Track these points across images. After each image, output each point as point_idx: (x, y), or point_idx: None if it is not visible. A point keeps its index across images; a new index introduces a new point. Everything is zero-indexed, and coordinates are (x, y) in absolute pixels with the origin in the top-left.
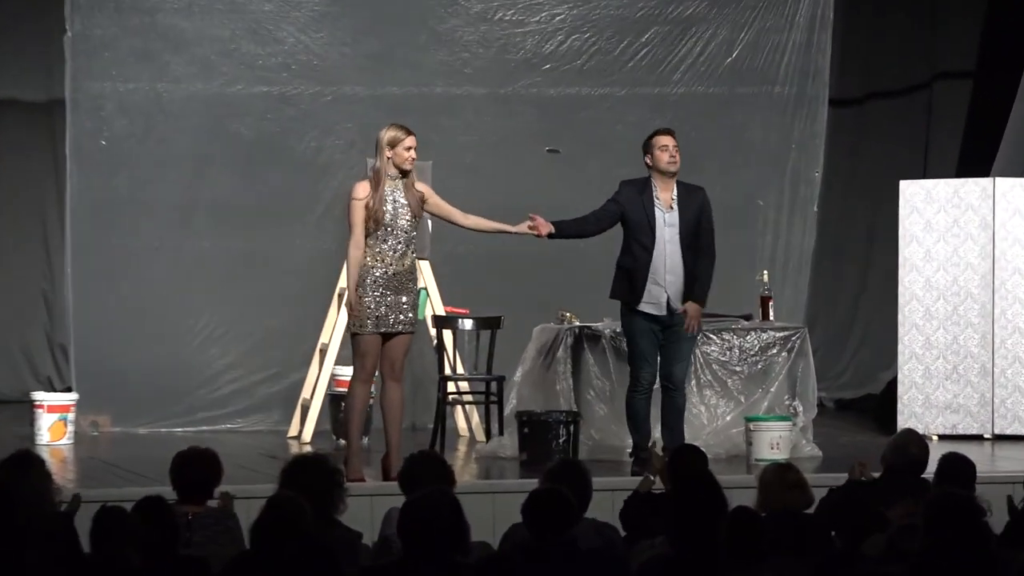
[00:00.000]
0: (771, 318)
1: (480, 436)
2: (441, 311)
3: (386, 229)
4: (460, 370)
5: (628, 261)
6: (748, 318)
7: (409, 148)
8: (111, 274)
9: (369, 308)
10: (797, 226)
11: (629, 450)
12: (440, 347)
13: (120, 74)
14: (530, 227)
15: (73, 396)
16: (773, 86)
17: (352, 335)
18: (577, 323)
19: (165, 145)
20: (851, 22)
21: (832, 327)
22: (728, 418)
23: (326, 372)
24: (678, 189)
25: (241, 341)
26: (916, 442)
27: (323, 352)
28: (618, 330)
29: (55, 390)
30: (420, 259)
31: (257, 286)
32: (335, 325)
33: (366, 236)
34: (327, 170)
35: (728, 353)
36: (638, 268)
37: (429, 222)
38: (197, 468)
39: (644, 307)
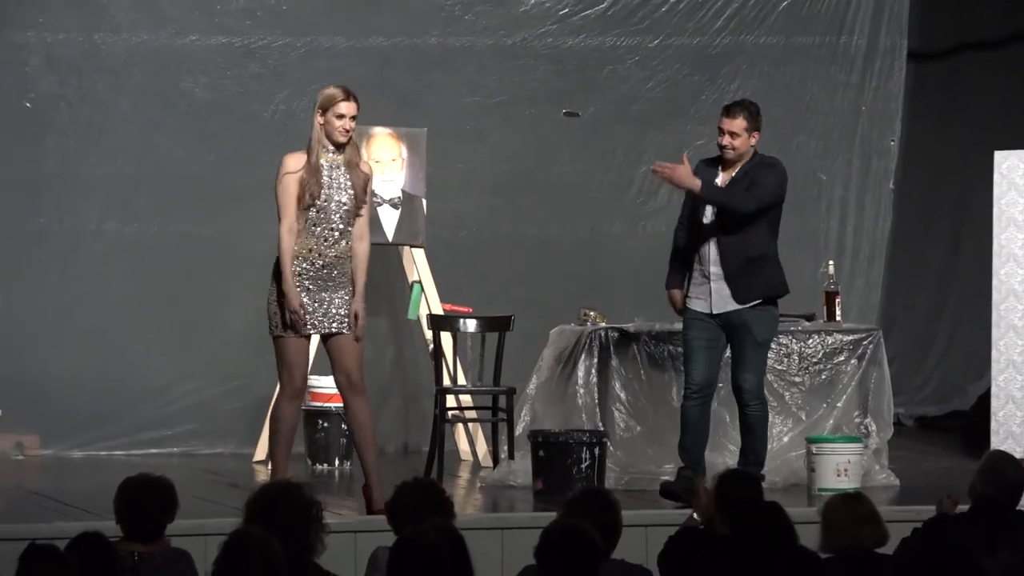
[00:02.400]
0: (838, 318)
1: (486, 460)
2: (438, 310)
3: (321, 211)
4: (461, 381)
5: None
6: (810, 318)
7: (342, 116)
8: (37, 264)
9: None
10: (869, 207)
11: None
12: (437, 353)
13: (48, 22)
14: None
15: None
16: (839, 36)
17: (274, 339)
18: (603, 324)
19: (103, 108)
20: None
21: (912, 330)
22: (786, 439)
23: None
24: (740, 170)
25: (196, 346)
26: (1011, 464)
27: None
28: (654, 331)
29: None
30: (413, 247)
31: (215, 279)
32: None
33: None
34: (299, 139)
35: (785, 361)
36: (686, 256)
37: (424, 201)
38: (147, 499)
39: (693, 303)
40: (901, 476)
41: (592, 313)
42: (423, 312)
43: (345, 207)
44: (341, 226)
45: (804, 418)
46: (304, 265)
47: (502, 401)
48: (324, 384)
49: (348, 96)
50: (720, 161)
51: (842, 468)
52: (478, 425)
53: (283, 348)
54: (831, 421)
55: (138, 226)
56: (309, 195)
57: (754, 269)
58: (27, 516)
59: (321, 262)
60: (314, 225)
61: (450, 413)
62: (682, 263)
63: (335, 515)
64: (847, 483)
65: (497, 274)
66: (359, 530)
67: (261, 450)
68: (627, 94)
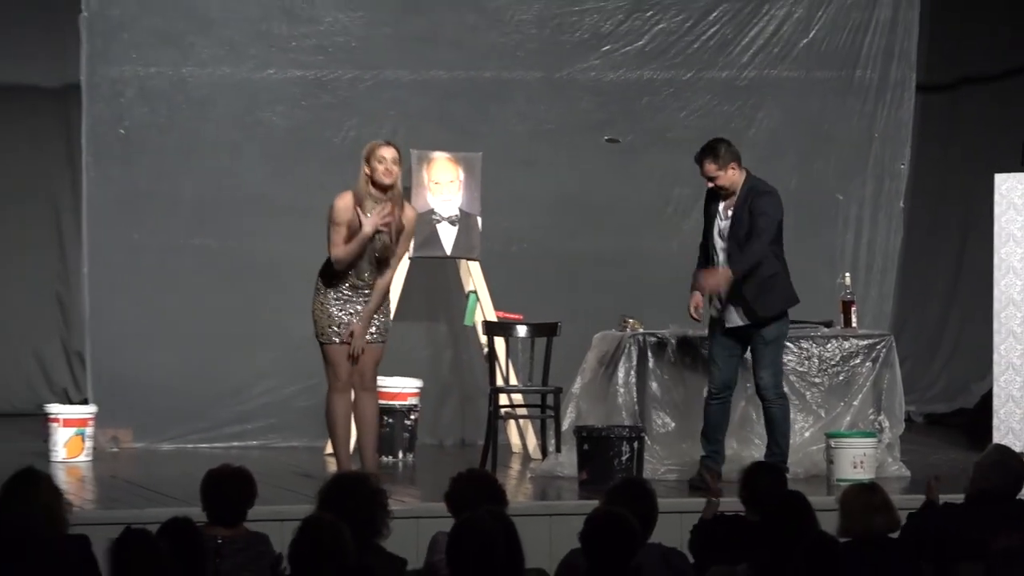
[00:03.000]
0: (854, 325)
1: (535, 453)
2: (492, 317)
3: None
4: (513, 381)
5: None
6: (828, 325)
7: (382, 160)
8: (131, 275)
9: (333, 317)
10: (882, 224)
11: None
12: (491, 356)
13: (140, 57)
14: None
15: (91, 409)
16: (854, 70)
17: (320, 345)
18: (641, 330)
19: (190, 135)
20: None
21: (921, 335)
22: (807, 434)
23: None
24: (739, 196)
25: (273, 349)
26: (1012, 457)
27: None
28: (686, 337)
29: (71, 402)
30: (469, 260)
31: (288, 289)
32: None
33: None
34: None
35: (806, 363)
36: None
37: (479, 219)
38: (229, 488)
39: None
40: (912, 468)
41: (631, 320)
42: (478, 319)
43: (382, 245)
44: (377, 255)
45: (823, 415)
46: (346, 284)
47: (550, 399)
48: (390, 383)
49: (388, 144)
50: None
51: (858, 460)
52: (528, 421)
53: (327, 352)
54: (848, 418)
55: (221, 241)
56: (352, 231)
57: (768, 287)
58: (122, 503)
59: (360, 283)
60: (357, 258)
61: (503, 410)
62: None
63: (399, 502)
64: (863, 474)
65: (545, 284)
66: (421, 516)
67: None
68: (663, 122)
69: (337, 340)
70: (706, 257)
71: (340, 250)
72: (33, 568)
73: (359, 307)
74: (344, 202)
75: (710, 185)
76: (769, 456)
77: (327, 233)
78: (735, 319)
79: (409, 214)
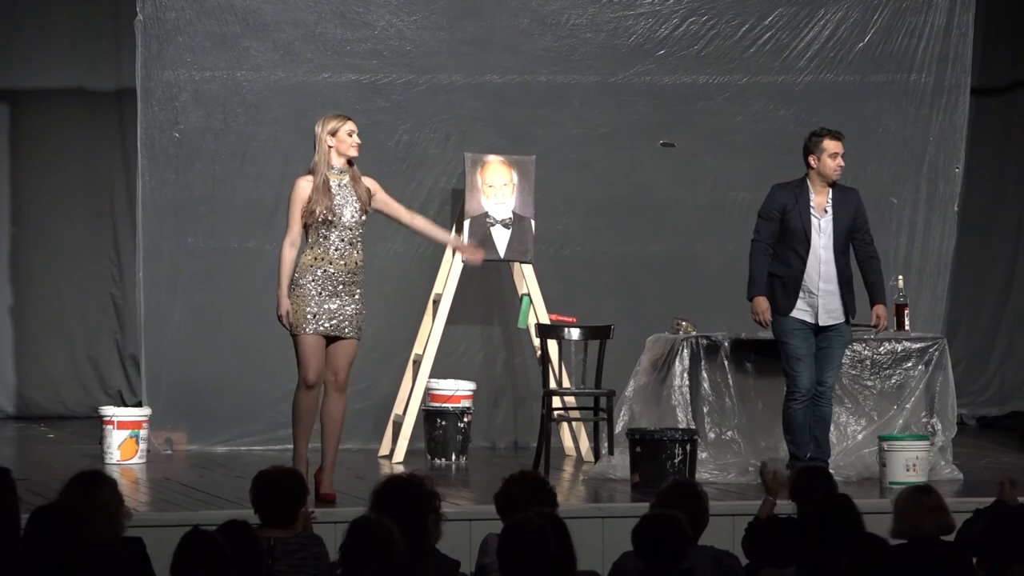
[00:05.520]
0: (907, 328)
1: (588, 456)
2: (545, 319)
3: (329, 225)
4: (566, 384)
5: (782, 268)
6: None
7: (351, 133)
8: (186, 279)
9: (306, 308)
10: (936, 227)
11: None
12: (544, 359)
13: (195, 61)
14: (460, 250)
15: (145, 411)
16: (909, 74)
17: (292, 337)
18: (694, 333)
19: (244, 138)
20: (996, 2)
21: (974, 337)
22: (859, 437)
23: (420, 386)
24: (833, 192)
25: None
26: None
27: (416, 364)
28: (739, 339)
29: (126, 405)
30: (522, 263)
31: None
32: (430, 334)
33: (307, 233)
34: (421, 165)
35: (859, 366)
36: (791, 275)
37: (533, 222)
38: (281, 489)
39: (797, 313)
40: (964, 471)
41: (684, 323)
42: (532, 322)
43: (354, 219)
44: (349, 235)
45: (876, 418)
46: (318, 272)
47: (603, 402)
48: (443, 386)
49: (348, 118)
50: (803, 184)
51: (911, 463)
52: (581, 424)
53: (297, 343)
54: (900, 421)
55: (276, 244)
56: (315, 216)
57: (850, 288)
58: (176, 505)
59: (333, 269)
60: (325, 238)
61: (556, 413)
62: (768, 275)
63: (452, 504)
64: (915, 477)
65: (598, 287)
66: (473, 519)
67: (385, 446)
68: (718, 127)
69: (309, 330)
70: (783, 256)
71: (290, 254)
72: (88, 568)
73: (344, 299)
74: (306, 182)
75: (838, 164)
76: (818, 453)
77: (286, 219)
78: (827, 318)
79: (371, 183)
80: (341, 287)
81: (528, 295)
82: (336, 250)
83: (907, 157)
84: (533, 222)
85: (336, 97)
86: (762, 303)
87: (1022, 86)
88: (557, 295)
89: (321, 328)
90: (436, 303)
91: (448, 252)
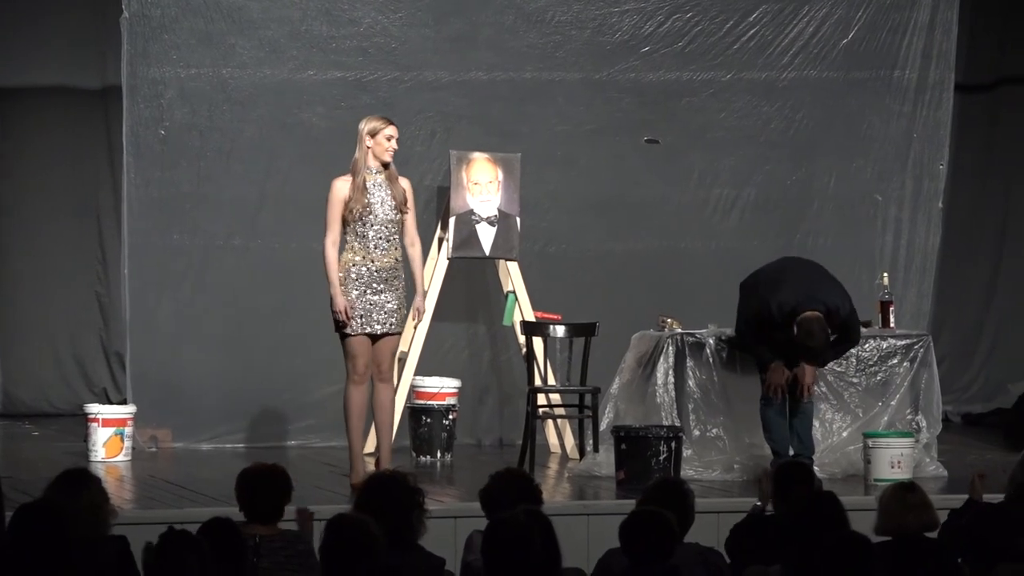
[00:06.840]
0: (892, 325)
1: (573, 453)
2: (530, 316)
3: (367, 223)
4: (551, 381)
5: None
6: (867, 325)
7: (390, 138)
8: (171, 276)
9: (352, 308)
10: (920, 224)
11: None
12: (529, 356)
13: (181, 58)
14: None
15: (130, 409)
16: (893, 70)
17: (341, 335)
18: (679, 330)
19: (230, 136)
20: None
21: (959, 335)
22: (844, 434)
23: (405, 383)
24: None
25: (312, 350)
26: None
27: (402, 362)
28: (724, 337)
29: (111, 402)
30: (508, 260)
31: (327, 290)
32: (414, 332)
33: (346, 231)
34: (407, 162)
35: (844, 363)
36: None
37: (518, 219)
38: (266, 486)
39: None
40: (949, 468)
41: (670, 320)
42: (517, 319)
43: (391, 216)
44: (386, 232)
45: (861, 415)
46: (362, 269)
47: (588, 399)
48: (428, 384)
49: (390, 123)
50: None
51: (895, 460)
52: (566, 421)
53: (346, 343)
54: (885, 418)
55: (261, 242)
56: (354, 215)
57: (841, 338)
58: (160, 503)
59: (376, 266)
60: (364, 236)
61: (541, 410)
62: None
63: (437, 502)
64: (900, 474)
65: (584, 285)
66: (458, 516)
67: (371, 443)
68: (702, 123)
69: (358, 330)
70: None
71: (333, 253)
72: (72, 567)
73: (387, 296)
74: (342, 183)
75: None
76: (801, 449)
77: (325, 220)
78: None
79: (405, 184)
80: (383, 284)
81: (513, 292)
82: (376, 247)
83: (892, 154)
84: (518, 219)
85: (322, 94)
86: (778, 375)
87: (1007, 83)
88: (542, 292)
89: (369, 329)
90: None
91: (433, 249)
